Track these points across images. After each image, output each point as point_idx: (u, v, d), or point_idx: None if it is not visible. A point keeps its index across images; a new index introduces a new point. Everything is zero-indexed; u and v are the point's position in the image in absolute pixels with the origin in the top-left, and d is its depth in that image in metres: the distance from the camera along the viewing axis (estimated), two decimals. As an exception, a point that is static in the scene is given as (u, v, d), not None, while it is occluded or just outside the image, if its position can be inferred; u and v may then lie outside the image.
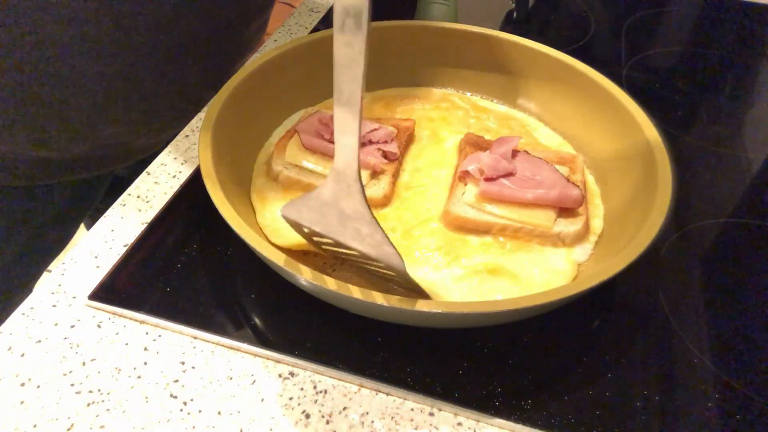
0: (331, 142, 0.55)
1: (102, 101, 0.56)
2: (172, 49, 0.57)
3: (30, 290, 0.75)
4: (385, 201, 0.53)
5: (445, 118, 0.62)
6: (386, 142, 0.56)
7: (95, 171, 0.65)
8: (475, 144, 0.56)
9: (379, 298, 0.40)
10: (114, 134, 0.60)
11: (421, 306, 0.39)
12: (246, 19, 0.64)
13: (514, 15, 0.88)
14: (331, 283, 0.40)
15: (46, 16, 0.49)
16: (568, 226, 0.50)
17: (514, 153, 0.54)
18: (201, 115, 0.66)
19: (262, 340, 0.45)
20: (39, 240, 0.68)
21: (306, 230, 0.42)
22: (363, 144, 0.55)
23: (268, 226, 0.51)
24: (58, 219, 0.68)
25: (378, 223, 0.39)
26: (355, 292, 0.40)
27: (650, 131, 0.53)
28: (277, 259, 0.41)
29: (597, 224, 0.53)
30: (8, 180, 0.61)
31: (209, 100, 0.66)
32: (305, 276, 0.41)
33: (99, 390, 0.42)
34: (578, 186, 0.52)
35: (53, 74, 0.52)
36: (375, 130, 0.56)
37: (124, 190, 0.57)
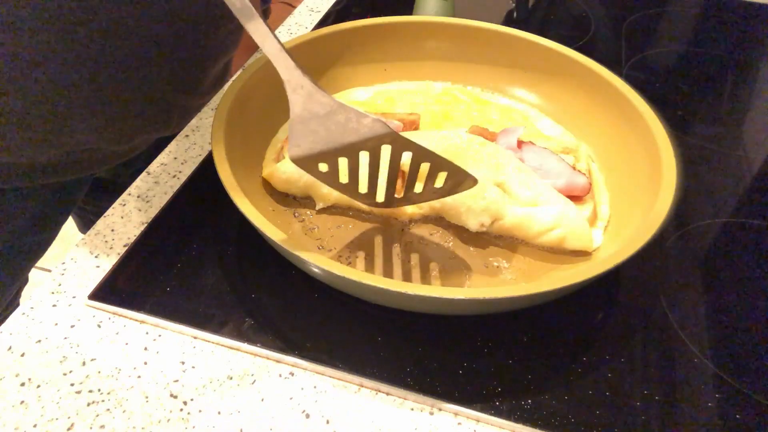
0: None
1: (64, 110, 0.55)
2: (132, 55, 0.56)
3: (13, 293, 0.74)
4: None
5: (448, 112, 0.63)
6: None
7: (70, 175, 0.64)
8: (480, 135, 0.57)
9: (377, 281, 0.41)
10: (81, 141, 0.59)
11: (451, 293, 0.41)
12: (213, 22, 0.63)
13: (514, 14, 0.88)
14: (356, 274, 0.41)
15: None
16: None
17: (520, 143, 0.55)
18: (201, 115, 0.66)
19: (262, 340, 0.45)
20: (18, 243, 0.67)
21: (319, 164, 0.43)
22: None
23: None
24: (37, 222, 0.67)
25: (345, 104, 0.41)
26: (370, 279, 0.41)
27: (651, 118, 0.54)
28: (294, 248, 0.42)
29: (604, 210, 0.54)
30: None
31: (182, 104, 0.66)
32: (319, 263, 0.42)
33: (99, 390, 0.42)
34: (584, 174, 0.53)
35: (10, 84, 0.52)
36: None
37: (108, 190, 0.57)
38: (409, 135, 0.54)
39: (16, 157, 0.58)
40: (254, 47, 0.78)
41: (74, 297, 0.48)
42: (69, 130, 0.57)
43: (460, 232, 0.53)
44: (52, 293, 0.48)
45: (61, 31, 0.50)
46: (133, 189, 0.57)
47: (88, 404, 0.42)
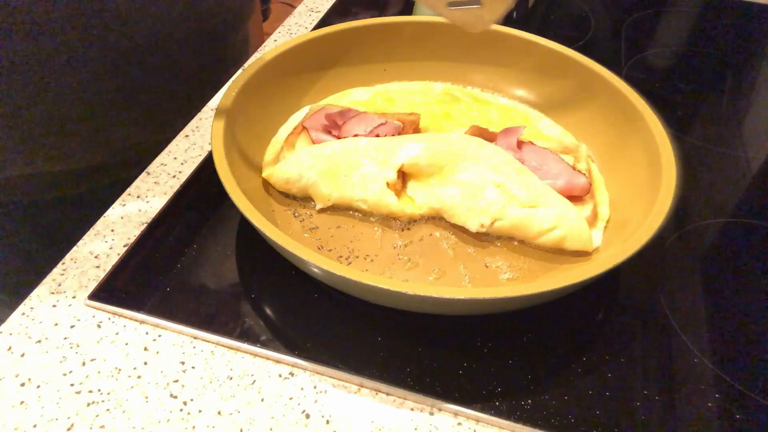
0: (338, 137, 0.55)
1: (100, 109, 0.55)
2: (153, 41, 0.56)
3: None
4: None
5: (448, 112, 0.63)
6: (393, 136, 0.56)
7: (122, 174, 0.65)
8: (480, 135, 0.57)
9: (377, 281, 0.41)
10: (125, 137, 0.60)
11: (453, 293, 0.40)
12: None
13: (514, 15, 0.88)
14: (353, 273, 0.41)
15: (14, 35, 0.48)
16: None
17: (520, 144, 0.55)
18: (200, 115, 0.66)
19: (262, 340, 0.45)
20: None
21: None
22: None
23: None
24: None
25: None
26: (370, 279, 0.41)
27: (651, 118, 0.54)
28: (298, 250, 0.42)
29: (604, 211, 0.54)
30: (35, 194, 0.60)
31: (211, 79, 0.66)
32: (320, 263, 0.42)
33: (99, 390, 0.42)
34: (584, 174, 0.53)
35: (44, 92, 0.52)
36: (382, 124, 0.56)
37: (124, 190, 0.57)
38: (409, 137, 0.54)
39: (65, 165, 0.57)
40: (255, 47, 0.78)
41: (74, 297, 0.48)
42: (110, 128, 0.57)
43: (460, 232, 0.53)
44: (52, 293, 0.48)
45: (76, 32, 0.50)
46: (133, 189, 0.57)
47: (88, 404, 0.42)
